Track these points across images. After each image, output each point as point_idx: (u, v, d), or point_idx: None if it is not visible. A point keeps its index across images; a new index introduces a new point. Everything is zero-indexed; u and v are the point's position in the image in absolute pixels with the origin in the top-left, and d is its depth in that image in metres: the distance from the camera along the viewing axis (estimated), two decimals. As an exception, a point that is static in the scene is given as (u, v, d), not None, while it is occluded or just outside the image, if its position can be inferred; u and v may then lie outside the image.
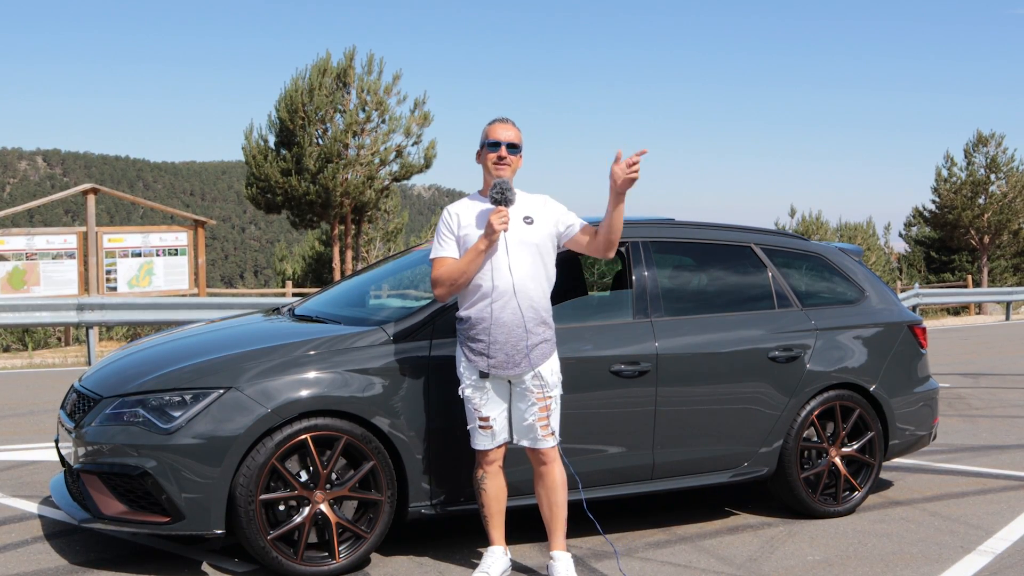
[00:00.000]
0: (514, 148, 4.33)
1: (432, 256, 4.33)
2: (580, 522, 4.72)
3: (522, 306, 4.18)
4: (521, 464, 4.50)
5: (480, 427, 4.26)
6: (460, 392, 4.30)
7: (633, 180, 4.18)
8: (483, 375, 4.22)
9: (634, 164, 4.16)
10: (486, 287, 4.20)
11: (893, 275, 38.19)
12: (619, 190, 4.20)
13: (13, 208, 17.92)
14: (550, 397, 4.25)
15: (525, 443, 4.29)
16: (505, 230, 4.16)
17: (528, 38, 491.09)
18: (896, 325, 5.90)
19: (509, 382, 4.28)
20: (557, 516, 4.34)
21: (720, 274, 5.58)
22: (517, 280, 4.19)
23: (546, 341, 4.25)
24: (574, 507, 4.48)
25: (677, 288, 5.37)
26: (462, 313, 4.28)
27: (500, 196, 4.16)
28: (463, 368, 4.29)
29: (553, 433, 4.27)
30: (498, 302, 4.18)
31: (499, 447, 4.30)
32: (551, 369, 4.27)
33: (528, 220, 4.27)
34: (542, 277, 4.28)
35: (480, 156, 4.39)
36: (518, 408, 4.28)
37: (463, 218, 4.31)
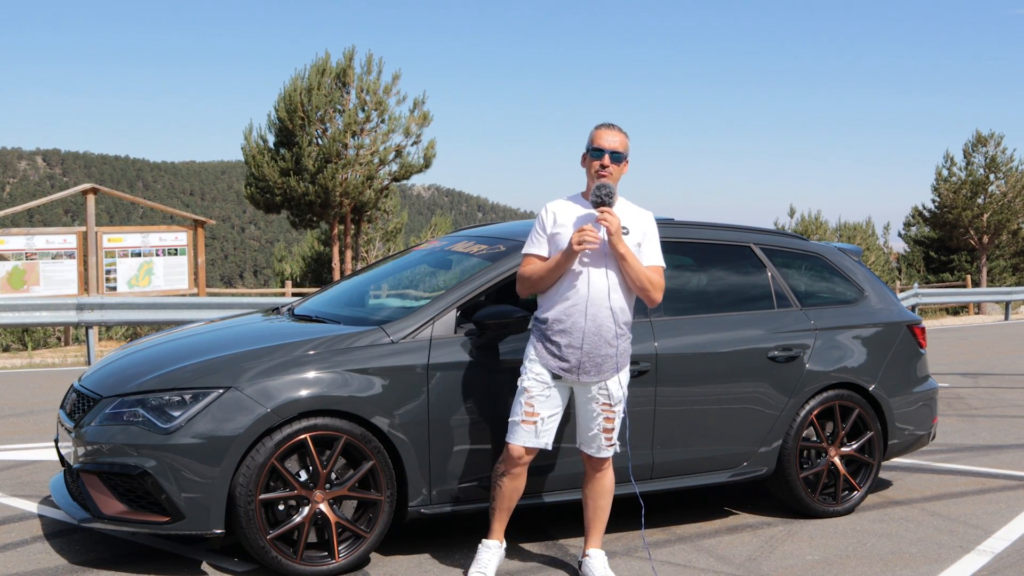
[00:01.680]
0: (617, 156, 4.28)
1: (523, 251, 4.37)
2: (576, 521, 4.72)
3: (606, 315, 4.17)
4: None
5: (524, 421, 4.22)
6: (520, 381, 4.27)
7: (607, 229, 4.12)
8: (555, 377, 4.22)
9: (601, 215, 4.12)
10: (577, 291, 4.18)
11: (892, 275, 38.19)
12: (612, 248, 4.17)
13: (13, 208, 17.91)
14: (615, 410, 4.26)
15: (587, 451, 4.31)
16: (595, 246, 4.10)
17: (527, 38, 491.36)
18: (895, 325, 5.91)
19: (572, 389, 4.28)
20: (599, 519, 4.41)
21: (719, 274, 5.58)
22: (609, 288, 4.19)
23: (622, 354, 4.25)
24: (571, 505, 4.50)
25: (676, 288, 5.36)
26: (545, 314, 4.24)
27: (606, 200, 4.11)
28: (529, 362, 4.26)
29: (614, 443, 4.29)
30: (586, 307, 4.16)
31: (531, 449, 4.27)
32: (619, 383, 4.26)
33: (624, 230, 4.24)
34: (630, 288, 4.28)
35: (584, 160, 4.36)
36: (583, 418, 4.29)
37: (559, 217, 4.29)
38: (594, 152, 4.28)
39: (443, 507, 4.59)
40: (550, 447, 4.31)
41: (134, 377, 4.49)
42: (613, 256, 4.21)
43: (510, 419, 4.30)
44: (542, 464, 4.62)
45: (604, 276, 4.20)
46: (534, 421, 4.22)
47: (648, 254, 4.31)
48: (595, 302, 4.17)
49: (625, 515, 5.22)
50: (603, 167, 4.25)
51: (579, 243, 4.09)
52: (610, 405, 4.24)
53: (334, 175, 22.90)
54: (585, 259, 4.20)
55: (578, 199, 4.37)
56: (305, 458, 4.32)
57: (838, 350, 5.58)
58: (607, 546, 4.71)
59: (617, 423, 4.29)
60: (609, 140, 4.28)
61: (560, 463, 4.70)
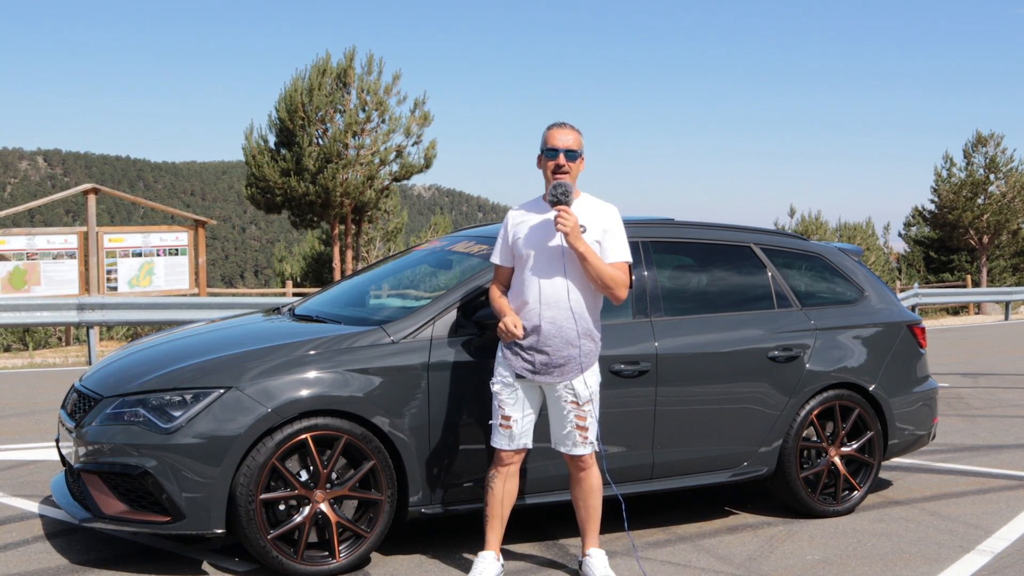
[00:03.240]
0: (572, 154, 4.27)
1: (491, 259, 4.47)
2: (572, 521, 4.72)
3: (565, 316, 4.17)
4: (526, 465, 4.51)
5: (501, 425, 4.25)
6: (491, 385, 4.31)
7: (563, 231, 4.10)
8: (518, 376, 4.23)
9: (557, 215, 4.12)
10: (536, 292, 4.19)
11: (892, 275, 38.19)
12: (571, 248, 4.16)
13: (14, 208, 17.92)
14: (584, 408, 4.25)
15: (562, 449, 4.31)
16: (567, 230, 4.10)
17: (527, 38, 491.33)
18: (895, 325, 5.91)
19: (541, 389, 4.29)
20: (593, 518, 4.40)
21: (720, 274, 5.58)
22: (568, 289, 4.19)
23: (587, 354, 4.23)
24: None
25: (677, 288, 5.37)
26: None
27: (562, 198, 4.11)
28: (496, 365, 4.30)
29: (591, 441, 4.28)
30: (546, 309, 4.17)
31: (517, 451, 4.29)
32: (585, 382, 4.24)
33: (582, 228, 4.21)
34: (592, 288, 4.27)
35: (540, 162, 4.35)
36: (554, 416, 4.29)
37: (520, 223, 4.31)
38: (548, 152, 4.27)
39: (443, 507, 4.59)
40: (530, 446, 4.32)
41: (135, 377, 4.49)
42: (570, 257, 4.20)
43: (490, 422, 4.33)
44: (536, 465, 4.63)
45: (561, 277, 4.20)
46: (509, 425, 4.24)
47: (611, 250, 4.26)
48: (552, 304, 4.17)
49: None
50: (559, 167, 4.25)
51: (556, 223, 4.11)
52: (578, 404, 4.24)
53: (335, 175, 22.91)
54: (540, 261, 4.21)
55: (538, 202, 4.38)
56: (306, 458, 4.32)
57: (838, 350, 5.58)
58: (607, 546, 4.72)
59: (590, 421, 4.27)
60: (562, 139, 4.27)
61: (553, 464, 4.69)
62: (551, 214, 4.22)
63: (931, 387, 6.05)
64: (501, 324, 4.20)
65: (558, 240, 4.20)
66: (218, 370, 4.37)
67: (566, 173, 4.25)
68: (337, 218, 24.47)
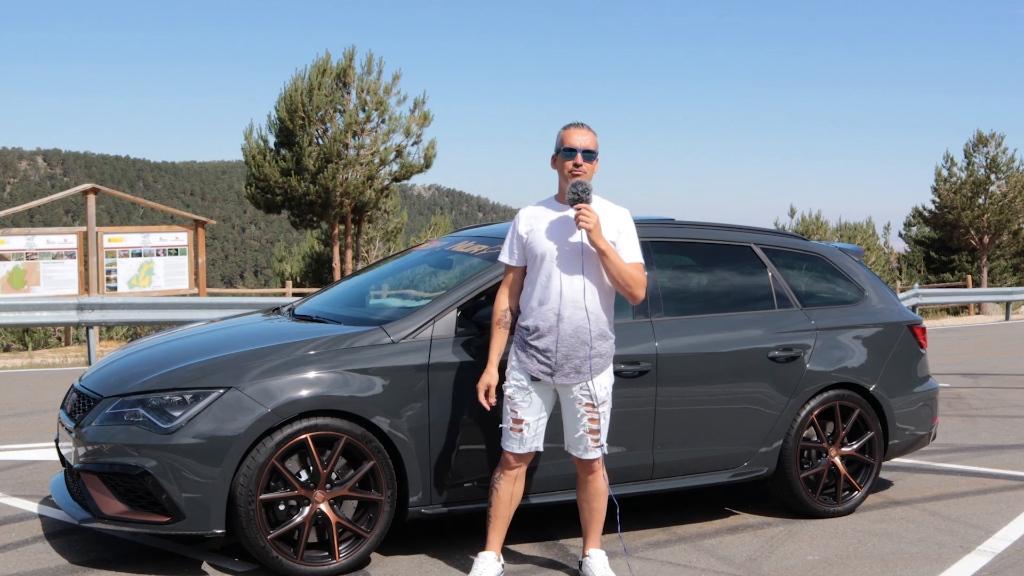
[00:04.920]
0: (590, 154, 4.27)
1: (499, 258, 4.42)
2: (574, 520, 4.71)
3: (582, 316, 4.16)
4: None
5: (512, 428, 4.24)
6: (503, 388, 4.29)
7: (586, 228, 4.10)
8: (533, 379, 4.22)
9: (579, 212, 4.12)
10: (551, 294, 4.18)
11: (893, 275, 38.18)
12: (593, 245, 4.16)
13: (13, 208, 17.92)
14: (599, 410, 4.24)
15: (574, 453, 4.30)
16: (589, 226, 4.09)
17: (528, 38, 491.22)
18: (896, 325, 5.91)
19: (555, 391, 4.28)
20: (596, 520, 4.40)
21: (720, 274, 5.58)
22: (584, 289, 4.18)
23: (602, 355, 4.23)
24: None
25: (677, 288, 5.36)
26: (525, 322, 4.24)
27: (584, 196, 4.10)
28: (510, 368, 4.28)
29: (601, 444, 4.28)
30: (563, 308, 4.16)
31: (525, 454, 4.28)
32: (602, 384, 4.25)
33: None
34: (607, 289, 4.27)
35: (555, 161, 4.34)
36: (568, 419, 4.28)
37: (534, 222, 4.29)
38: (566, 152, 4.26)
39: (443, 507, 4.59)
40: (541, 449, 4.32)
41: (135, 377, 4.49)
42: (588, 257, 4.20)
43: (500, 425, 4.32)
44: (537, 466, 4.63)
45: (579, 278, 4.19)
46: (520, 428, 4.23)
47: (625, 251, 4.26)
48: (570, 304, 4.16)
49: (625, 515, 5.22)
50: (576, 166, 4.24)
51: (577, 220, 4.09)
52: (593, 406, 4.23)
53: (334, 175, 22.90)
54: (558, 260, 4.19)
55: (551, 203, 4.36)
56: (306, 458, 4.32)
57: (839, 350, 5.58)
58: (607, 546, 4.71)
59: (602, 423, 4.26)
60: (580, 139, 4.26)
61: (554, 464, 4.68)
62: (569, 213, 4.22)
63: (931, 387, 6.04)
64: (479, 384, 4.27)
65: (577, 239, 4.19)
66: (218, 370, 4.36)
67: (583, 173, 4.25)
68: (337, 218, 24.47)
